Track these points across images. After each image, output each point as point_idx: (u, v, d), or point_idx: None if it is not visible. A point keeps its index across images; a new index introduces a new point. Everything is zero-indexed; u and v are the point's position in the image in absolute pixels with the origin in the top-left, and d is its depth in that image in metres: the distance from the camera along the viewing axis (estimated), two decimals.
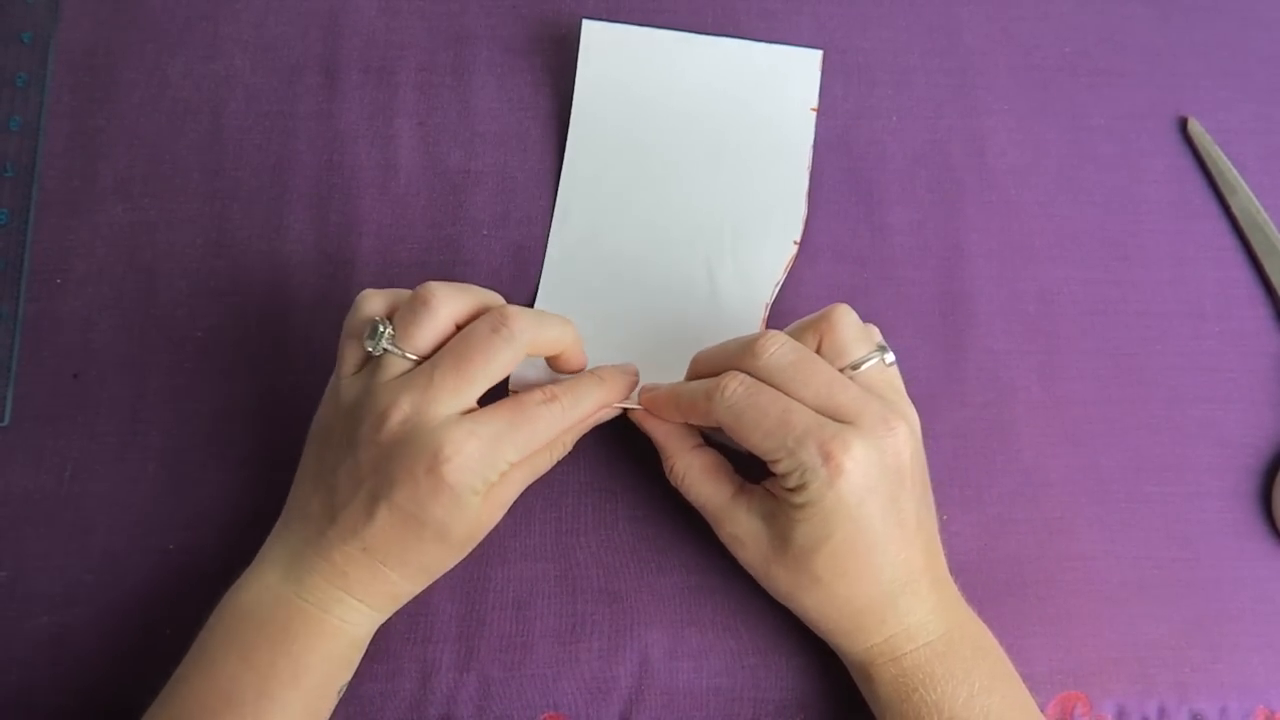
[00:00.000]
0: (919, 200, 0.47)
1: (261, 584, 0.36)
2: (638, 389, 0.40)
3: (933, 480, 0.42)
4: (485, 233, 0.46)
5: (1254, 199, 0.47)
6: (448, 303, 0.36)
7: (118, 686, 0.40)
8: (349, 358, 0.37)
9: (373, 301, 0.38)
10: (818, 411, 0.34)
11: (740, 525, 0.37)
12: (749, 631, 0.41)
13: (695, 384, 0.37)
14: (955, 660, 0.35)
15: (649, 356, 0.44)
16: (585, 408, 0.37)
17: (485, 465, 0.34)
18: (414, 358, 0.36)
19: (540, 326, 0.36)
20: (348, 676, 0.37)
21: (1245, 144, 0.48)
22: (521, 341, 0.35)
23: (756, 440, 0.35)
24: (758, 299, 0.45)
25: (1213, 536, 0.43)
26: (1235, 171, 0.47)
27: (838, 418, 0.34)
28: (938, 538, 0.38)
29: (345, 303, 0.44)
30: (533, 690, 0.40)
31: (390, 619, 0.39)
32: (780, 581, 0.37)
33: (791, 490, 0.34)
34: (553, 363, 0.40)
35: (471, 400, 0.35)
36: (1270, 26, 0.50)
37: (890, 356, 0.37)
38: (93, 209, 0.46)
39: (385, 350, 0.36)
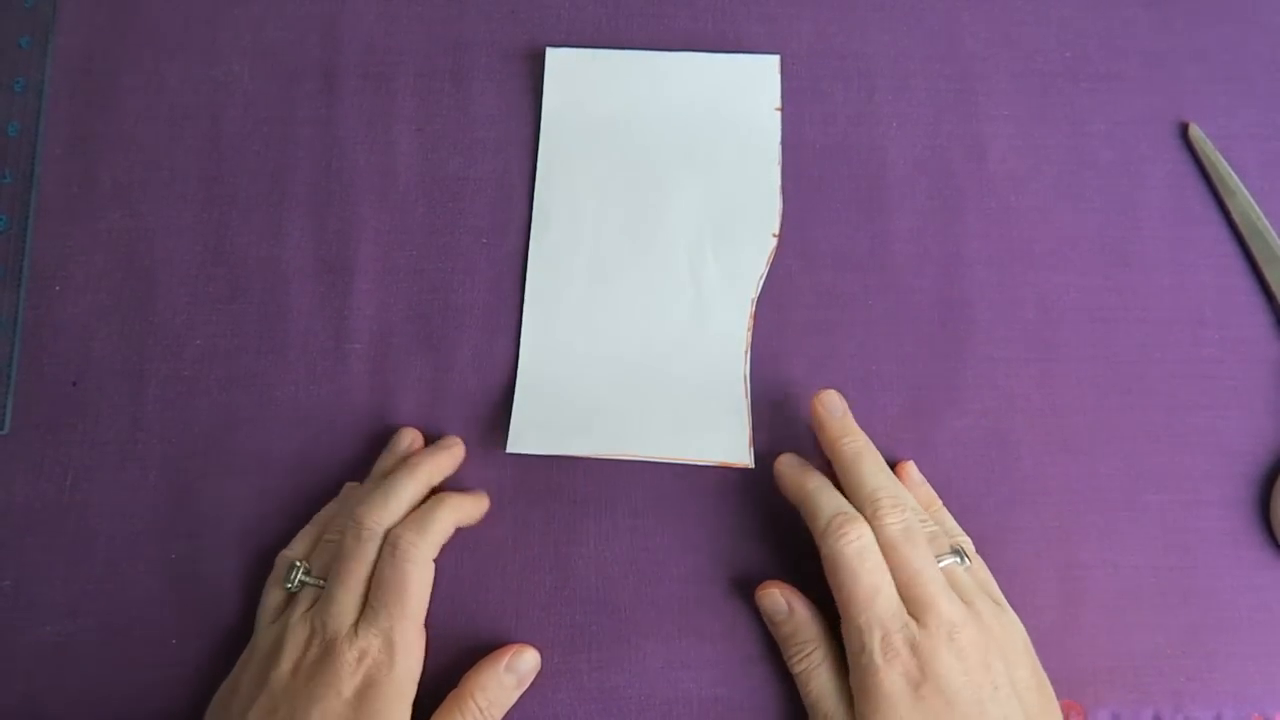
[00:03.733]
0: (919, 207, 0.47)
1: None
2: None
3: (932, 487, 0.43)
4: (485, 240, 0.46)
5: (1254, 205, 0.47)
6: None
7: (121, 696, 0.40)
8: (272, 609, 0.40)
9: (293, 549, 0.41)
10: (903, 593, 0.37)
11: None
12: (749, 641, 0.41)
13: (822, 499, 0.39)
14: None
15: (639, 360, 0.44)
16: (429, 538, 0.38)
17: (401, 652, 0.37)
18: (322, 582, 0.39)
19: (388, 509, 0.39)
20: None
21: (1246, 149, 0.48)
22: (378, 536, 0.38)
23: (839, 594, 0.37)
24: (744, 295, 0.45)
25: (1211, 545, 0.43)
26: (1236, 177, 0.47)
27: (912, 609, 0.37)
28: None
29: (344, 309, 0.45)
30: (533, 701, 0.40)
31: None
32: None
33: (855, 661, 0.37)
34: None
35: (360, 594, 0.38)
36: (1271, 31, 0.50)
37: (968, 563, 0.40)
38: (92, 215, 0.46)
39: (304, 582, 0.39)
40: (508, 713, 0.39)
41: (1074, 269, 0.46)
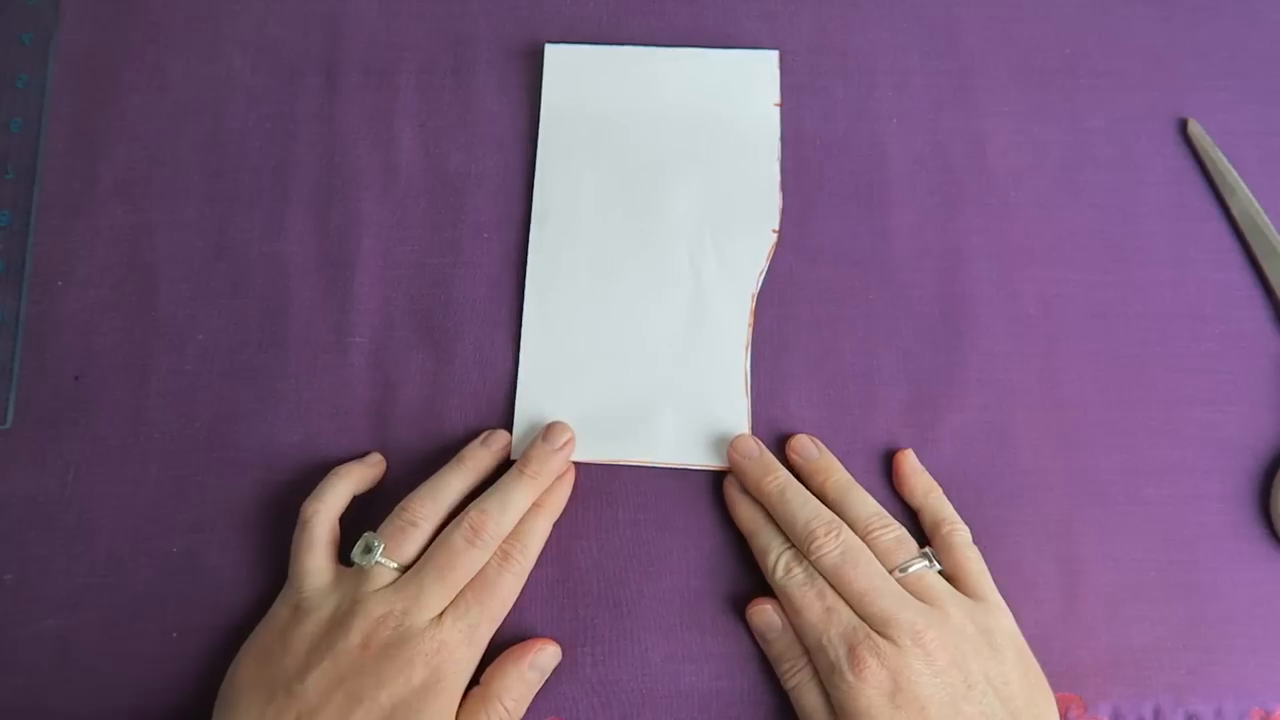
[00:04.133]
0: (919, 202, 0.47)
1: None
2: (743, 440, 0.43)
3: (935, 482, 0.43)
4: (486, 235, 0.46)
5: (1254, 200, 0.47)
6: (430, 517, 0.40)
7: (124, 689, 0.40)
8: (318, 572, 0.39)
9: (325, 501, 0.40)
10: (858, 612, 0.38)
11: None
12: (750, 636, 0.41)
13: (768, 540, 0.40)
14: None
15: (639, 355, 0.44)
16: (533, 551, 0.40)
17: (472, 649, 0.38)
18: (398, 566, 0.39)
19: (505, 520, 0.39)
20: None
21: (1245, 145, 0.48)
22: (492, 547, 0.39)
23: (797, 625, 0.39)
24: (744, 291, 0.45)
25: (1211, 539, 0.43)
26: (1235, 173, 0.47)
27: (873, 625, 0.37)
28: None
29: (346, 303, 0.45)
30: (535, 695, 0.40)
31: None
32: None
33: (830, 681, 0.37)
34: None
35: (454, 593, 0.38)
36: (1271, 27, 0.50)
37: (936, 566, 0.40)
38: (94, 211, 0.46)
39: (378, 563, 0.38)
40: None
41: (1074, 264, 0.46)
